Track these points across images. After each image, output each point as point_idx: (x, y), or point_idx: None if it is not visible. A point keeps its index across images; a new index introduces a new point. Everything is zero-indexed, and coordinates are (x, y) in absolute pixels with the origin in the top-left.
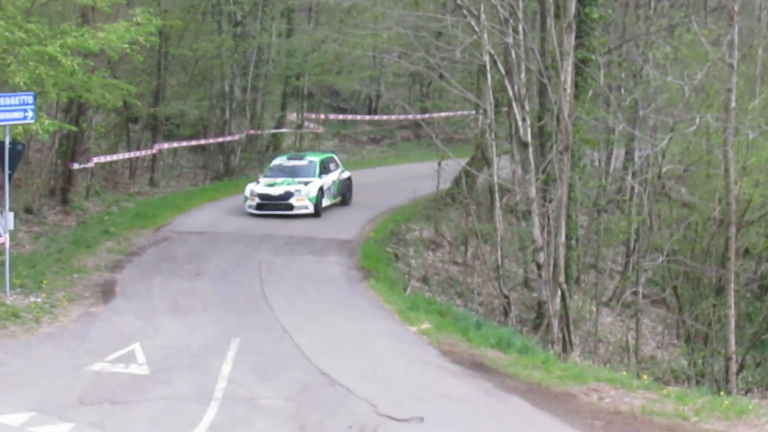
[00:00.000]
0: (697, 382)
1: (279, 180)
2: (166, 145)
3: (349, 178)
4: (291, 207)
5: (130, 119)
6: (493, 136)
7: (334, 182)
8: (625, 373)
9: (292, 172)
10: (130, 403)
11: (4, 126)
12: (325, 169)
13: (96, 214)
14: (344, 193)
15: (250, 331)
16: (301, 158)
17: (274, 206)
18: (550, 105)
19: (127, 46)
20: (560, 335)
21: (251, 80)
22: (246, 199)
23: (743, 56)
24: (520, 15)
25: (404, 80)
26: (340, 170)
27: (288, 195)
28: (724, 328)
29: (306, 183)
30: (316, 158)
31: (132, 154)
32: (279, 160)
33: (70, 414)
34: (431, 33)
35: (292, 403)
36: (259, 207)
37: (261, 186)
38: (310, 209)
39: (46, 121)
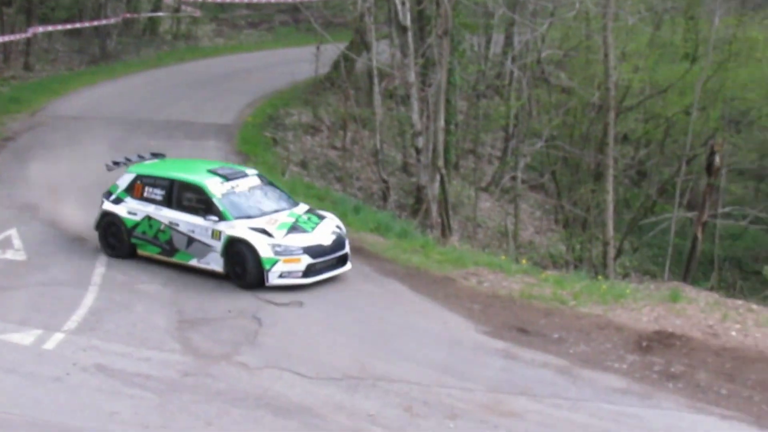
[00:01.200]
0: (576, 267)
1: (286, 220)
2: (41, 29)
3: None
4: (345, 259)
5: (3, 2)
6: (372, 19)
7: None
8: (503, 257)
9: (265, 203)
10: (6, 289)
11: None
12: None
13: None
14: None
15: None
16: (248, 176)
17: (327, 265)
18: None
19: None
20: (439, 220)
21: None
22: (266, 264)
23: None
24: None
25: None
26: None
27: (341, 242)
28: (602, 214)
29: (323, 218)
30: (254, 170)
31: (6, 38)
32: (218, 185)
33: None
34: None
35: (171, 288)
36: (308, 272)
37: (282, 234)
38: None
39: None
